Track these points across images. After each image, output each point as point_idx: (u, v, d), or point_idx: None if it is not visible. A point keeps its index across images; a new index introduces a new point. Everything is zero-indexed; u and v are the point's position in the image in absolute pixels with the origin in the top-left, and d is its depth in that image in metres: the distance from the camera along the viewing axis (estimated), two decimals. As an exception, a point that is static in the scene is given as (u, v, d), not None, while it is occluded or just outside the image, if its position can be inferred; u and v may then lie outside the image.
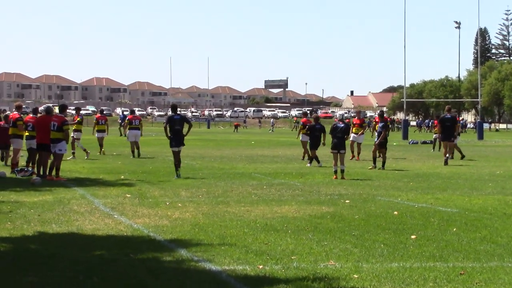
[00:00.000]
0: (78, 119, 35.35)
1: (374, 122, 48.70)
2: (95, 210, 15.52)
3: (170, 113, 25.09)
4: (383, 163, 27.25)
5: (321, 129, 29.41)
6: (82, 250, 10.93)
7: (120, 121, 72.16)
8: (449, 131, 30.98)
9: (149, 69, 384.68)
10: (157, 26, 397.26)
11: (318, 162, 29.20)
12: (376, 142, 27.24)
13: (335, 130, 24.25)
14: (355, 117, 36.67)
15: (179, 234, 12.42)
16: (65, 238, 12.13)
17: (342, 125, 24.39)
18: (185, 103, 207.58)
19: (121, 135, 63.45)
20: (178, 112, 24.83)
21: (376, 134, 29.79)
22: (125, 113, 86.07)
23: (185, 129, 24.37)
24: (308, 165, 29.14)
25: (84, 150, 33.70)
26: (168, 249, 11.15)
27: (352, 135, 33.80)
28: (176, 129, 23.90)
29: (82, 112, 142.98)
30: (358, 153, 34.54)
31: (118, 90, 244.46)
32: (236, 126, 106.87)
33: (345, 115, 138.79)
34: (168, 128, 23.99)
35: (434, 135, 43.82)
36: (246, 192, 19.27)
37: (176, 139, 23.89)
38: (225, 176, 24.02)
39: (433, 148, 41.67)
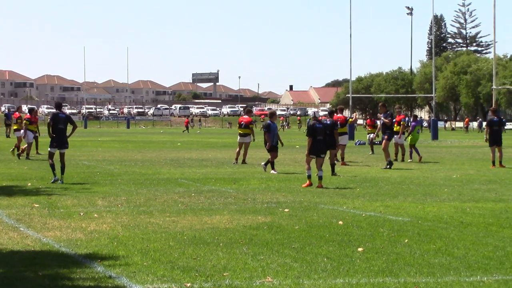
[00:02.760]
0: None
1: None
2: (-2, 222, 15.36)
3: (54, 110, 25.22)
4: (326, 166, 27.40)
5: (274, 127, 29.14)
6: (-17, 268, 10.81)
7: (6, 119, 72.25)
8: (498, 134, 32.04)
9: (59, 61, 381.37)
10: (69, 11, 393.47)
11: (272, 167, 28.46)
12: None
13: (315, 132, 23.06)
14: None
15: (95, 249, 12.36)
16: (-37, 254, 11.98)
17: (321, 125, 23.24)
18: (101, 99, 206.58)
19: (7, 136, 64.68)
20: (63, 111, 24.95)
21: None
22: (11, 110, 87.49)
23: (69, 130, 24.77)
24: (273, 171, 28.08)
25: None
26: (82, 265, 11.08)
27: (394, 137, 34.35)
28: (59, 128, 24.18)
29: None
30: (403, 154, 35.24)
31: (24, 85, 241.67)
32: (187, 126, 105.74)
33: (319, 112, 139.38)
34: (51, 127, 24.25)
35: (368, 135, 44.36)
36: (171, 200, 19.26)
37: (59, 139, 24.16)
38: (147, 182, 23.96)
39: (372, 151, 41.87)
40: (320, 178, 22.75)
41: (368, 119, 48.28)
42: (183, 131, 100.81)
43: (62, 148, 24.15)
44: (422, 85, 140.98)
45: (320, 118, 23.77)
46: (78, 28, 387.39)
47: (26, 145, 35.99)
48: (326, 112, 24.79)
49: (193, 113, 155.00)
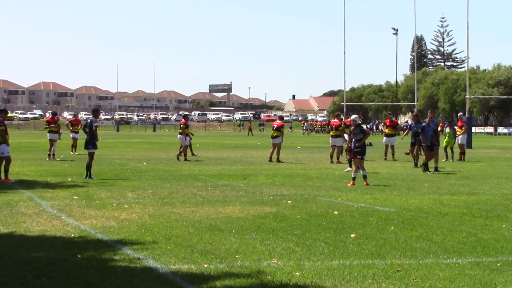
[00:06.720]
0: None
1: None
2: (43, 212, 15.35)
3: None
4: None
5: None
6: (30, 251, 10.81)
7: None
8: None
9: (96, 74, 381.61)
10: (104, 31, 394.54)
11: (350, 166, 26.77)
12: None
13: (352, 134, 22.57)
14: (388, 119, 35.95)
15: (125, 235, 12.35)
16: (13, 239, 11.97)
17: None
18: (131, 107, 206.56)
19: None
20: (98, 117, 24.87)
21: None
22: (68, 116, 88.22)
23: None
24: (347, 169, 27.04)
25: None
26: (115, 249, 11.08)
27: (384, 138, 34.30)
28: (86, 132, 24.39)
29: (29, 116, 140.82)
30: (393, 154, 34.99)
31: (65, 95, 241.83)
32: (250, 129, 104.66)
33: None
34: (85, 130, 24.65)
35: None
36: (191, 193, 19.24)
37: (86, 141, 24.23)
38: (170, 178, 23.94)
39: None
40: (365, 177, 21.86)
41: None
42: (248, 134, 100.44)
43: (86, 149, 24.07)
44: (405, 95, 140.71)
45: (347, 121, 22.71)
46: (111, 45, 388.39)
47: (183, 147, 34.88)
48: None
49: (209, 118, 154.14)
